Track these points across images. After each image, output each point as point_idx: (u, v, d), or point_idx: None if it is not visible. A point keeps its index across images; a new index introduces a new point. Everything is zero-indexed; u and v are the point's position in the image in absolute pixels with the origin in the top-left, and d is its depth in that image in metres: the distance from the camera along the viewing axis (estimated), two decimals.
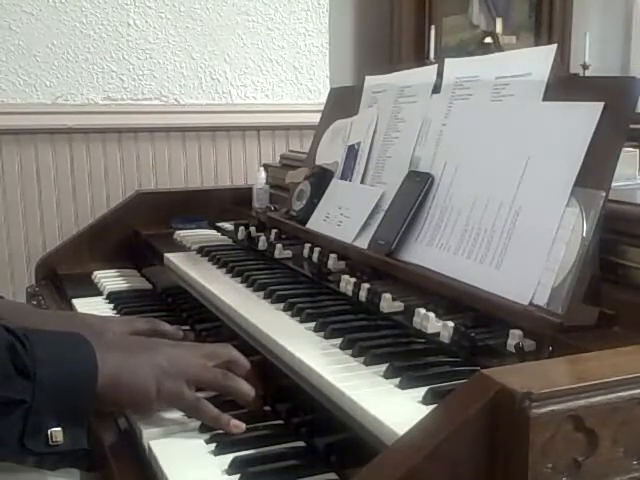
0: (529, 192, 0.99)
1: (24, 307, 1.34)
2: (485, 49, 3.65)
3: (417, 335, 0.96)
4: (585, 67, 3.70)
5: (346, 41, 3.51)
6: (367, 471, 0.64)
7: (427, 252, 1.12)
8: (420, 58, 3.41)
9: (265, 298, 1.18)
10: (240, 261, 1.41)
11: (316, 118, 1.72)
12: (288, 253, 1.42)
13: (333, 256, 1.29)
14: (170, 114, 2.81)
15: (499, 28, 3.80)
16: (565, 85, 1.04)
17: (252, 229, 1.58)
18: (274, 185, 1.89)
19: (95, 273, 1.77)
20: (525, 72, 1.08)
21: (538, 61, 1.07)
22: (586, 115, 0.94)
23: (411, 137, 1.30)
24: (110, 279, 1.72)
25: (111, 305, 1.53)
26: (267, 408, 1.00)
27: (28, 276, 2.59)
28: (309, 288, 1.23)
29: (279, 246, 1.42)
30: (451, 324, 0.92)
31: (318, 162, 1.59)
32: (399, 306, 1.05)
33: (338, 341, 0.96)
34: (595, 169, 0.91)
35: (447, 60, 1.28)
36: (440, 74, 1.28)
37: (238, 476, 0.81)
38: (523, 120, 1.05)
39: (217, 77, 2.88)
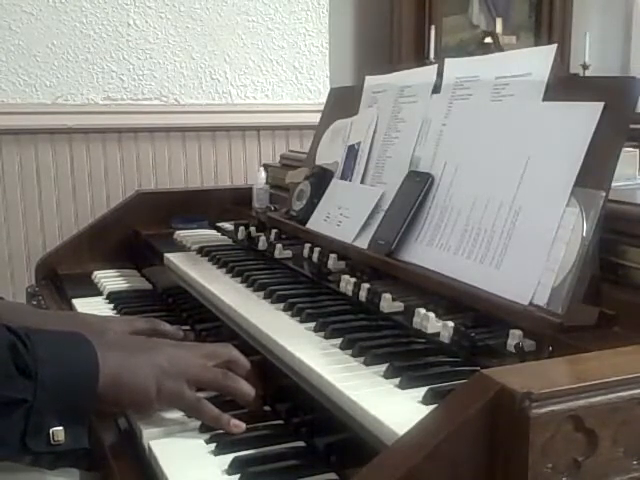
0: (529, 192, 0.99)
1: (24, 307, 1.34)
2: (485, 49, 3.65)
3: (417, 335, 0.96)
4: (585, 67, 3.70)
5: (346, 41, 3.51)
6: (367, 471, 0.64)
7: (427, 252, 1.12)
8: (420, 58, 3.41)
9: (265, 298, 1.18)
10: (240, 261, 1.41)
11: (316, 118, 1.72)
12: (288, 253, 1.42)
13: (333, 256, 1.29)
14: (170, 114, 2.81)
15: (499, 28, 3.80)
16: (565, 85, 1.04)
17: (252, 229, 1.58)
18: (274, 185, 1.89)
19: (95, 273, 1.77)
20: (525, 72, 1.08)
21: (538, 61, 1.07)
22: (586, 115, 0.94)
23: (411, 137, 1.30)
24: (110, 279, 1.72)
25: (111, 305, 1.53)
26: (267, 408, 1.00)
27: (28, 276, 2.59)
28: (309, 288, 1.23)
29: (279, 246, 1.42)
30: (451, 324, 0.92)
31: (318, 162, 1.59)
32: (399, 306, 1.05)
33: (338, 341, 0.96)
34: (595, 169, 0.91)
35: (447, 60, 1.28)
36: (440, 74, 1.28)
37: (238, 476, 0.81)
38: (523, 120, 1.05)
39: (217, 77, 2.88)
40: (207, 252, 1.51)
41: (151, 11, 2.76)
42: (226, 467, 0.83)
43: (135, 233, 1.89)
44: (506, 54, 1.25)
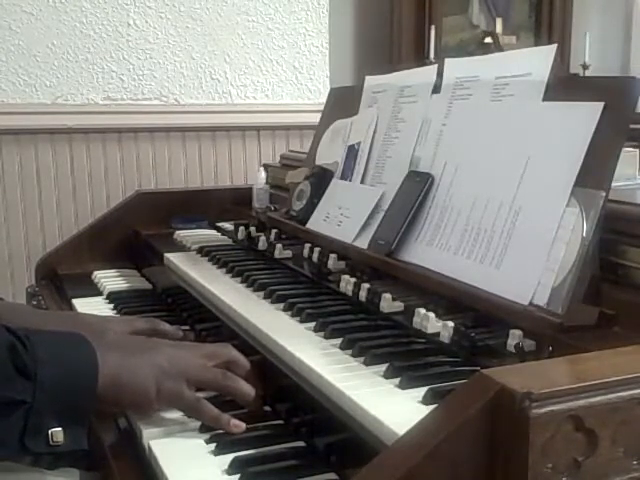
0: (529, 192, 0.99)
1: (24, 308, 1.34)
2: (485, 49, 3.65)
3: (417, 335, 0.96)
4: (585, 67, 3.70)
5: (346, 41, 3.51)
6: (367, 471, 0.64)
7: (427, 252, 1.12)
8: (420, 58, 3.41)
9: (265, 298, 1.18)
10: (240, 261, 1.41)
11: (316, 118, 1.72)
12: (288, 253, 1.42)
13: (333, 256, 1.29)
14: (170, 114, 2.81)
15: (499, 28, 3.80)
16: (565, 85, 1.04)
17: (252, 229, 1.58)
18: (274, 185, 1.89)
19: (95, 273, 1.77)
20: (525, 72, 1.08)
21: (538, 61, 1.07)
22: (586, 115, 0.94)
23: (411, 137, 1.30)
24: (110, 279, 1.72)
25: (111, 305, 1.53)
26: (267, 408, 1.00)
27: (28, 276, 2.59)
28: (309, 288, 1.23)
29: (279, 246, 1.42)
30: (451, 324, 0.92)
31: (318, 162, 1.59)
32: (399, 306, 1.05)
33: (338, 341, 0.96)
34: (595, 169, 0.91)
35: (447, 60, 1.28)
36: (440, 74, 1.28)
37: (238, 476, 0.81)
38: (523, 120, 1.05)
39: (217, 77, 2.88)
40: (207, 252, 1.51)
41: (151, 11, 2.76)
42: (226, 467, 0.83)
43: (135, 233, 1.89)
44: (506, 54, 1.25)
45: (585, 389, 0.62)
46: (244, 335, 1.10)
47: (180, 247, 1.66)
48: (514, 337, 0.86)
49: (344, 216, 1.37)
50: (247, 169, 2.95)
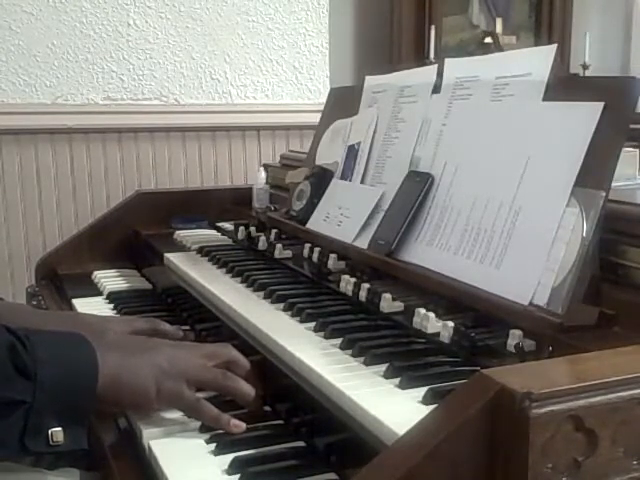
0: (529, 192, 0.99)
1: (24, 308, 1.34)
2: (485, 49, 3.65)
3: (417, 335, 0.96)
4: (585, 67, 3.70)
5: (346, 41, 3.51)
6: (367, 471, 0.64)
7: (427, 252, 1.12)
8: (420, 58, 3.41)
9: (265, 298, 1.18)
10: (240, 261, 1.41)
11: (316, 118, 1.72)
12: (288, 253, 1.42)
13: (333, 256, 1.29)
14: (170, 114, 2.81)
15: (499, 28, 3.80)
16: (565, 85, 1.04)
17: (252, 229, 1.58)
18: (274, 185, 1.89)
19: (95, 273, 1.77)
20: (525, 72, 1.08)
21: (538, 61, 1.07)
22: (586, 115, 0.94)
23: (411, 137, 1.30)
24: (110, 279, 1.72)
25: (111, 305, 1.53)
26: (267, 408, 1.00)
27: (28, 276, 2.59)
28: (309, 288, 1.23)
29: (279, 246, 1.42)
30: (451, 324, 0.92)
31: (318, 162, 1.59)
32: (399, 306, 1.05)
33: (338, 341, 0.96)
34: (595, 169, 0.91)
35: (447, 60, 1.28)
36: (440, 74, 1.28)
37: (238, 476, 0.81)
38: (523, 120, 1.05)
39: (217, 77, 2.88)
40: (207, 252, 1.51)
41: (151, 11, 2.76)
42: (226, 467, 0.83)
43: (135, 233, 1.89)
44: (506, 54, 1.25)
45: (585, 389, 0.62)
46: (244, 335, 1.10)
47: (180, 247, 1.66)
48: (514, 337, 0.86)
49: (344, 216, 1.37)
50: (247, 169, 2.95)
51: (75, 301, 1.57)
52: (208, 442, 0.90)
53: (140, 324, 1.15)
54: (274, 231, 1.54)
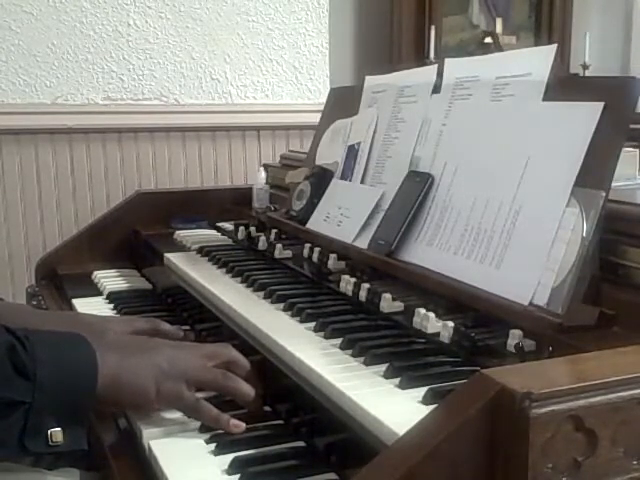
0: (529, 192, 0.99)
1: (24, 308, 1.34)
2: (485, 49, 3.65)
3: (417, 335, 0.96)
4: (585, 67, 3.69)
5: (346, 41, 3.51)
6: (367, 471, 0.64)
7: (427, 252, 1.12)
8: (420, 58, 3.41)
9: (265, 298, 1.18)
10: (240, 261, 1.41)
11: (316, 118, 1.72)
12: (288, 253, 1.42)
13: (333, 256, 1.29)
14: (170, 114, 2.81)
15: (499, 28, 3.80)
16: (565, 85, 1.04)
17: (252, 229, 1.58)
18: (274, 185, 1.89)
19: (95, 273, 1.77)
20: (525, 72, 1.08)
21: (538, 61, 1.07)
22: (586, 115, 0.94)
23: (411, 137, 1.30)
24: (110, 279, 1.72)
25: (111, 305, 1.53)
26: (267, 408, 1.00)
27: (28, 276, 2.59)
28: (309, 288, 1.23)
29: (279, 246, 1.42)
30: (451, 324, 0.92)
31: (318, 162, 1.59)
32: (399, 306, 1.05)
33: (338, 341, 0.96)
34: (595, 169, 0.91)
35: (447, 60, 1.28)
36: (440, 74, 1.28)
37: (238, 476, 0.81)
38: (523, 120, 1.05)
39: (217, 77, 2.88)
40: (207, 252, 1.51)
41: (151, 11, 2.76)
42: (226, 467, 0.83)
43: (135, 233, 1.89)
44: (506, 54, 1.25)
45: (585, 389, 0.62)
46: (244, 335, 1.10)
47: (180, 247, 1.66)
48: (514, 337, 0.86)
49: (344, 216, 1.37)
50: (247, 169, 2.95)
51: (75, 301, 1.57)
52: (208, 442, 0.90)
53: (140, 324, 1.15)
54: (274, 231, 1.54)
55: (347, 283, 1.15)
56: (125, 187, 2.77)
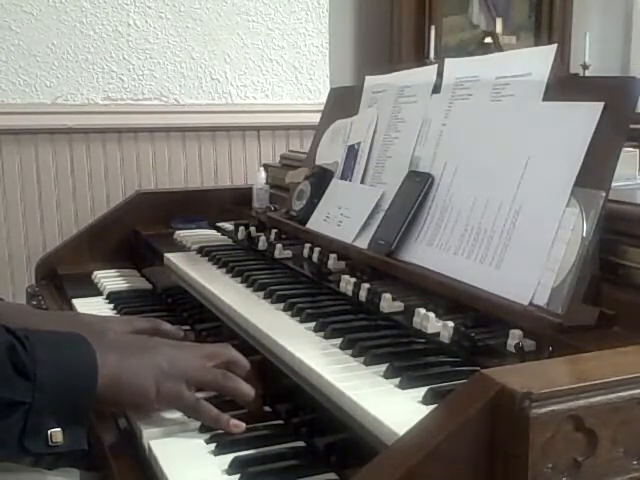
0: (529, 192, 0.99)
1: (24, 308, 1.34)
2: (485, 49, 3.65)
3: (417, 335, 0.96)
4: (585, 67, 3.69)
5: (346, 41, 3.51)
6: (367, 471, 0.64)
7: (427, 252, 1.12)
8: (420, 58, 3.41)
9: (265, 298, 1.18)
10: (240, 261, 1.41)
11: (316, 118, 1.72)
12: (288, 253, 1.42)
13: (333, 256, 1.29)
14: (170, 114, 2.81)
15: (499, 28, 3.80)
16: (565, 85, 1.04)
17: (252, 229, 1.58)
18: (274, 185, 1.89)
19: (95, 273, 1.77)
20: (525, 72, 1.08)
21: (538, 61, 1.07)
22: (586, 115, 0.94)
23: (411, 137, 1.30)
24: (110, 279, 1.72)
25: (111, 305, 1.53)
26: (267, 408, 1.00)
27: (28, 276, 2.59)
28: (309, 288, 1.23)
29: (279, 246, 1.42)
30: (451, 324, 0.92)
31: (318, 162, 1.59)
32: (399, 306, 1.05)
33: (338, 341, 0.96)
34: (595, 169, 0.91)
35: (447, 60, 1.28)
36: (440, 74, 1.28)
37: (238, 476, 0.81)
38: (523, 120, 1.05)
39: (217, 77, 2.88)
40: (207, 252, 1.51)
41: (151, 11, 2.76)
42: (226, 467, 0.83)
43: (135, 233, 1.89)
44: (506, 54, 1.25)
45: (585, 389, 0.62)
46: (244, 335, 1.10)
47: (180, 247, 1.66)
48: (514, 337, 0.86)
49: (344, 216, 1.37)
50: (247, 169, 2.95)
51: (75, 301, 1.57)
52: (208, 442, 0.90)
53: (141, 324, 1.15)
54: (274, 231, 1.54)
55: (347, 283, 1.15)
56: (125, 187, 2.77)
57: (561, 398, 0.61)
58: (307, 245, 1.38)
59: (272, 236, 1.52)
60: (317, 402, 0.87)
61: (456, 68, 1.24)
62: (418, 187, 1.19)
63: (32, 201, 2.69)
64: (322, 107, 1.71)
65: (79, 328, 0.97)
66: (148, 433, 0.92)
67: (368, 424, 0.75)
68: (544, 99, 1.04)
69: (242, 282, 1.29)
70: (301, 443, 0.90)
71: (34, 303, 1.67)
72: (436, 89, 1.28)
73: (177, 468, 0.84)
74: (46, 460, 0.93)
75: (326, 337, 0.99)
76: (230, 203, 1.98)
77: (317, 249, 1.34)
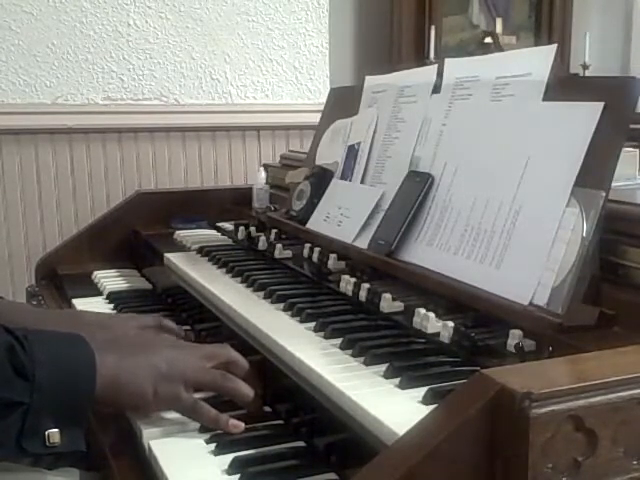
0: (529, 192, 0.99)
1: (23, 307, 1.34)
2: (485, 49, 3.65)
3: (417, 335, 0.96)
4: (585, 67, 3.70)
5: (346, 41, 3.51)
6: (367, 471, 0.64)
7: (427, 252, 1.12)
8: (420, 58, 3.41)
9: (265, 298, 1.18)
10: (240, 261, 1.41)
11: (316, 118, 1.72)
12: (288, 253, 1.42)
13: (333, 256, 1.29)
14: (170, 114, 2.81)
15: (499, 28, 3.80)
16: (565, 85, 1.04)
17: (252, 229, 1.58)
18: (274, 185, 1.89)
19: (95, 273, 1.77)
20: (525, 72, 1.08)
21: (538, 61, 1.07)
22: (586, 115, 0.94)
23: (411, 137, 1.30)
24: (110, 279, 1.72)
25: (111, 305, 1.53)
26: (267, 408, 1.00)
27: (28, 276, 2.59)
28: (309, 288, 1.23)
29: (279, 246, 1.42)
30: (451, 324, 0.92)
31: (318, 162, 1.59)
32: (399, 306, 1.05)
33: (338, 341, 0.96)
34: (595, 169, 0.91)
35: (447, 60, 1.28)
36: (440, 74, 1.28)
37: (238, 476, 0.81)
38: (523, 120, 1.05)
39: (217, 77, 2.88)
40: (207, 252, 1.51)
41: (151, 11, 2.76)
42: (226, 467, 0.83)
43: (135, 233, 1.89)
44: (506, 54, 1.25)
45: (585, 389, 0.62)
46: (244, 335, 1.10)
47: (180, 247, 1.66)
48: (514, 337, 0.86)
49: (344, 216, 1.37)
50: (247, 169, 2.95)
51: (75, 301, 1.57)
52: (208, 442, 0.90)
53: (146, 320, 1.15)
54: (274, 231, 1.54)
55: (347, 283, 1.15)
56: (125, 187, 2.77)
57: (561, 398, 0.61)
58: (307, 245, 1.38)
59: (272, 236, 1.52)
60: (317, 402, 0.87)
61: (456, 68, 1.24)
62: (418, 187, 1.19)
63: (32, 201, 2.69)
64: (322, 107, 1.71)
65: (78, 327, 0.97)
66: (148, 433, 0.92)
67: (368, 424, 0.75)
68: (544, 99, 1.04)
69: (242, 282, 1.29)
70: (301, 443, 0.90)
71: (34, 303, 1.67)
72: (436, 89, 1.28)
73: (177, 468, 0.84)
74: (46, 460, 0.93)
75: (326, 337, 0.99)
76: (230, 203, 1.98)
77: (317, 249, 1.34)
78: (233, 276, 1.33)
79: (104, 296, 1.60)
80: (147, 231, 1.85)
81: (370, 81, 1.52)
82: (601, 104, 0.93)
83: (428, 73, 1.33)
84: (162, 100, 2.81)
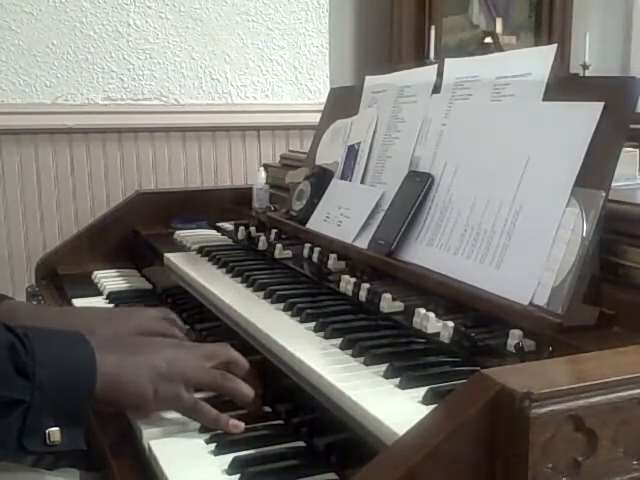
0: (529, 192, 0.99)
1: (23, 306, 1.34)
2: (485, 49, 3.65)
3: (417, 335, 0.96)
4: (585, 67, 3.70)
5: (346, 41, 3.51)
6: (367, 471, 0.64)
7: (427, 252, 1.12)
8: (420, 58, 3.41)
9: (265, 298, 1.18)
10: (240, 261, 1.41)
11: (316, 118, 1.72)
12: (288, 253, 1.42)
13: (333, 256, 1.29)
14: (170, 114, 2.81)
15: (499, 28, 3.80)
16: (565, 85, 1.04)
17: (252, 229, 1.58)
18: (274, 185, 1.89)
19: (95, 273, 1.77)
20: (525, 72, 1.08)
21: (538, 61, 1.07)
22: (586, 115, 0.94)
23: (411, 137, 1.30)
24: (110, 279, 1.72)
25: (111, 305, 1.53)
26: (267, 408, 1.00)
27: (28, 276, 2.59)
28: (309, 288, 1.23)
29: (279, 246, 1.42)
30: (451, 324, 0.92)
31: (318, 162, 1.59)
32: (399, 306, 1.05)
33: (338, 341, 0.96)
34: (595, 169, 0.91)
35: (447, 60, 1.28)
36: (440, 74, 1.28)
37: (238, 476, 0.81)
38: (523, 120, 1.05)
39: (217, 77, 2.88)
40: (207, 252, 1.51)
41: (151, 11, 2.76)
42: (226, 467, 0.83)
43: (135, 233, 1.89)
44: (506, 54, 1.25)
45: (585, 389, 0.62)
46: (244, 335, 1.10)
47: (180, 247, 1.66)
48: (514, 337, 0.86)
49: (344, 216, 1.37)
50: (247, 169, 2.95)
51: (75, 301, 1.57)
52: (208, 442, 0.90)
53: (154, 312, 1.16)
54: (274, 231, 1.54)
55: (347, 283, 1.15)
56: (125, 187, 2.77)
57: (561, 398, 0.61)
58: (307, 245, 1.38)
59: (272, 236, 1.52)
60: (317, 402, 0.87)
61: (456, 68, 1.24)
62: (418, 187, 1.19)
63: (32, 201, 2.69)
64: (322, 107, 1.71)
65: (78, 325, 0.97)
66: (148, 433, 0.92)
67: (368, 424, 0.75)
68: (544, 99, 1.04)
69: (242, 282, 1.29)
70: (301, 443, 0.90)
71: (34, 303, 1.67)
72: (436, 89, 1.28)
73: (177, 468, 0.84)
74: (46, 460, 0.93)
75: (326, 337, 0.99)
76: (230, 203, 1.98)
77: (317, 249, 1.34)
78: (233, 276, 1.33)
79: (104, 296, 1.60)
80: (147, 231, 1.85)
81: (370, 81, 1.52)
82: (601, 104, 0.93)
83: (428, 73, 1.33)
84: (162, 100, 2.81)
